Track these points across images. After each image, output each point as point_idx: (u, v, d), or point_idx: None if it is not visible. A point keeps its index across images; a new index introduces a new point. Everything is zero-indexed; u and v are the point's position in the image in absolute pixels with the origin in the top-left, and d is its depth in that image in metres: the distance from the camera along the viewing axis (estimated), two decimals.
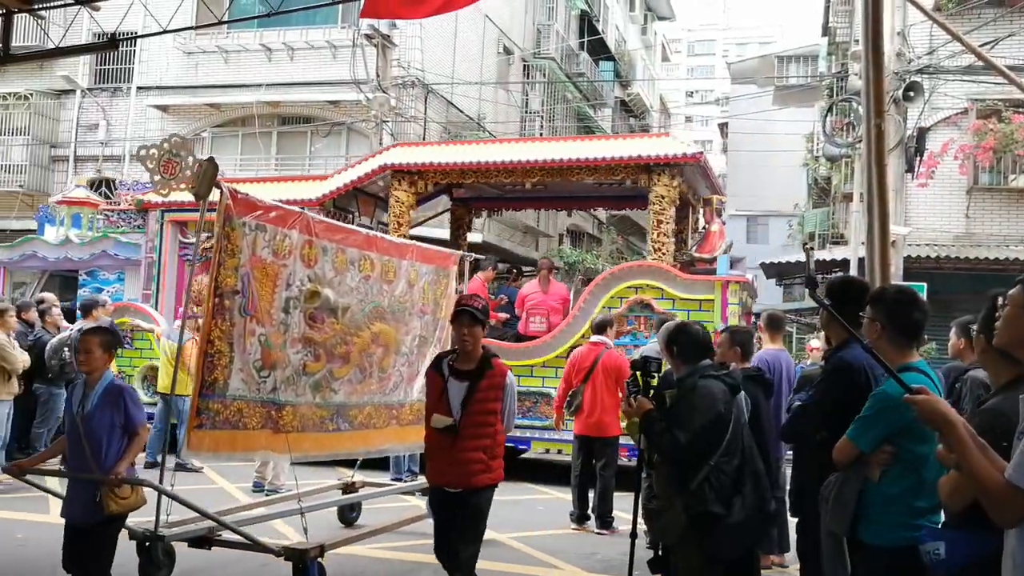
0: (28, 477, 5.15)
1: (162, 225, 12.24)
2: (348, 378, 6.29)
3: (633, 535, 5.02)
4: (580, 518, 7.99)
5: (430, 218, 14.22)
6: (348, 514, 7.36)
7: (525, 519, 8.36)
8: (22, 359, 8.74)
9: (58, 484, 5.34)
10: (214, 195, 5.29)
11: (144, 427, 4.78)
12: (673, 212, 10.61)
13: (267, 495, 8.01)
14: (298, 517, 6.67)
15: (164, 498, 5.18)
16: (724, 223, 11.62)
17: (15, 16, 8.22)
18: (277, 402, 5.53)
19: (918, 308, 3.49)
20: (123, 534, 4.86)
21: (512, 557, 6.91)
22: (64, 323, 10.24)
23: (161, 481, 5.12)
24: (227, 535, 5.38)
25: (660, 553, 4.64)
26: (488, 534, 7.52)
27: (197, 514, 5.37)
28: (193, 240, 11.92)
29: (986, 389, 4.53)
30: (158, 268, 12.13)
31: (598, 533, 7.80)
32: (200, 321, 9.45)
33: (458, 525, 4.80)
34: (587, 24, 29.79)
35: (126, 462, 4.62)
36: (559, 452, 11.29)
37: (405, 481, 8.85)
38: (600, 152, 10.94)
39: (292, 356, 5.71)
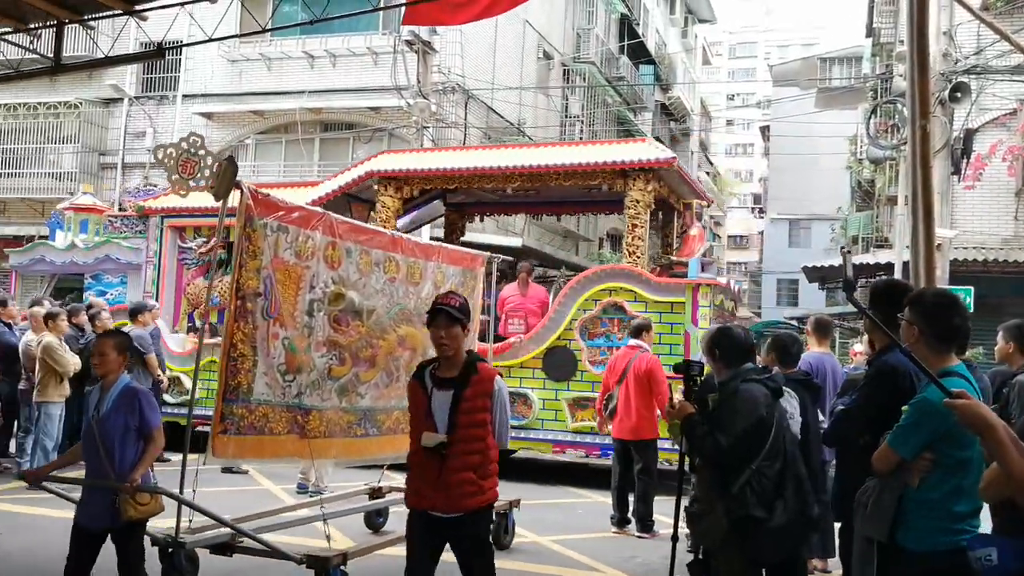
0: (44, 483, 5.06)
1: (161, 230, 12.83)
2: (375, 382, 6.19)
3: (674, 539, 4.99)
4: (620, 522, 7.98)
5: (425, 223, 14.36)
6: (375, 519, 7.31)
7: (565, 522, 8.38)
8: (73, 362, 9.00)
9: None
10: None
11: (159, 430, 4.70)
12: (647, 217, 10.81)
13: (311, 496, 8.10)
14: (342, 520, 6.76)
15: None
16: (704, 227, 11.86)
17: (66, 27, 8.42)
18: (303, 407, 5.44)
19: (958, 313, 3.43)
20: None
21: (552, 560, 6.92)
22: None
23: (182, 486, 4.99)
24: (249, 542, 5.26)
25: (701, 557, 4.61)
26: (528, 537, 7.60)
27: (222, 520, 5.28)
28: (191, 245, 12.68)
29: None
30: (158, 272, 12.69)
31: (638, 537, 7.78)
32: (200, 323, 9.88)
33: (460, 561, 4.24)
34: (627, 28, 29.71)
35: (142, 468, 4.54)
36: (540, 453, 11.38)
37: None
38: (577, 158, 11.21)
39: (317, 360, 5.61)
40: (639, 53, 30.80)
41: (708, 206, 12.82)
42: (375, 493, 7.36)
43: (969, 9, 8.92)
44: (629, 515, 7.97)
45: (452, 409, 4.10)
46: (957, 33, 14.06)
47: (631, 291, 10.21)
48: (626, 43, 29.34)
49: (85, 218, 13.63)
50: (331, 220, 5.72)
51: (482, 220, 15.49)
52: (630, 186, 10.67)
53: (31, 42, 8.92)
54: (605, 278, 10.50)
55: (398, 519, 7.30)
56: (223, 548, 5.22)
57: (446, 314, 4.17)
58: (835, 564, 6.18)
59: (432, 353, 6.83)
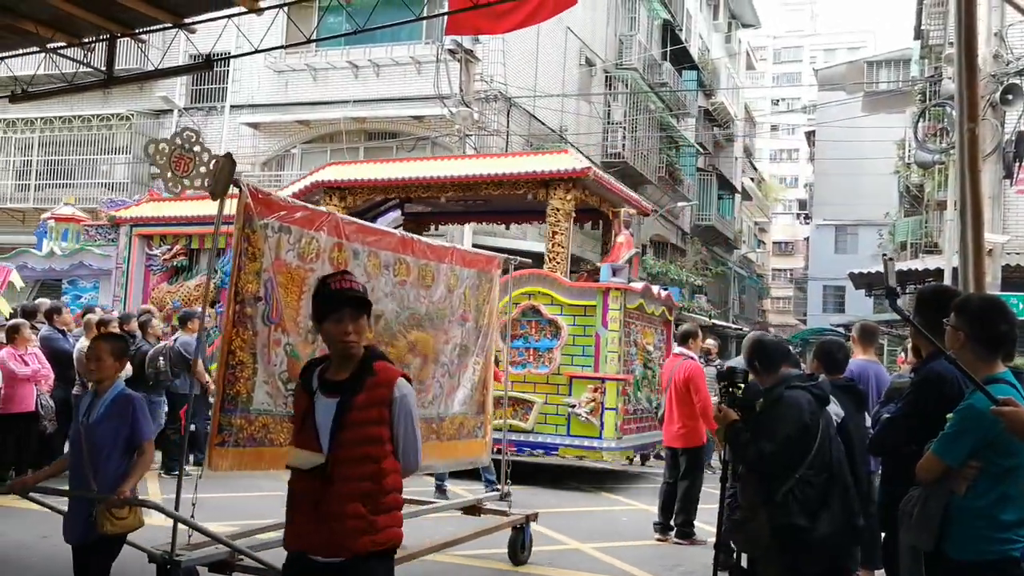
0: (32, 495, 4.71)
1: (130, 239, 13.76)
2: None
3: (716, 546, 5.00)
4: (663, 528, 7.96)
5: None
6: None
7: (608, 530, 8.38)
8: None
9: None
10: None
11: (151, 442, 4.46)
12: (568, 224, 11.41)
13: None
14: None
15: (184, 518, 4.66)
16: (632, 234, 12.36)
17: (118, 41, 8.62)
18: None
19: (1004, 319, 3.38)
20: (142, 557, 4.51)
21: (595, 567, 6.90)
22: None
23: (177, 499, 4.58)
24: (250, 560, 4.83)
25: (745, 566, 4.58)
26: (570, 544, 7.60)
27: (226, 534, 5.01)
28: (156, 252, 13.60)
29: None
30: (126, 277, 13.58)
31: (676, 543, 7.75)
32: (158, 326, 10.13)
33: None
34: (670, 33, 29.60)
35: (132, 481, 4.22)
36: None
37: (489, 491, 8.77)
38: (501, 168, 11.96)
39: None
40: (682, 59, 30.67)
41: (642, 215, 13.49)
42: None
43: (1020, 10, 8.77)
44: (672, 522, 7.93)
45: (336, 420, 3.20)
46: (1008, 34, 13.77)
47: (547, 294, 10.70)
48: (669, 49, 29.22)
49: (66, 227, 14.73)
50: (337, 220, 5.43)
51: (437, 228, 15.84)
52: (551, 195, 11.36)
53: (85, 56, 9.16)
54: (524, 282, 10.76)
55: (410, 531, 7.21)
56: (222, 567, 4.82)
57: (354, 302, 3.27)
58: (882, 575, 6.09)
59: (445, 359, 6.55)
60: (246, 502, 8.08)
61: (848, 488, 4.33)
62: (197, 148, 4.87)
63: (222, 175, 4.62)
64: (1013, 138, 13.63)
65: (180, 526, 4.51)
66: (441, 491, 9.17)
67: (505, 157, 13.82)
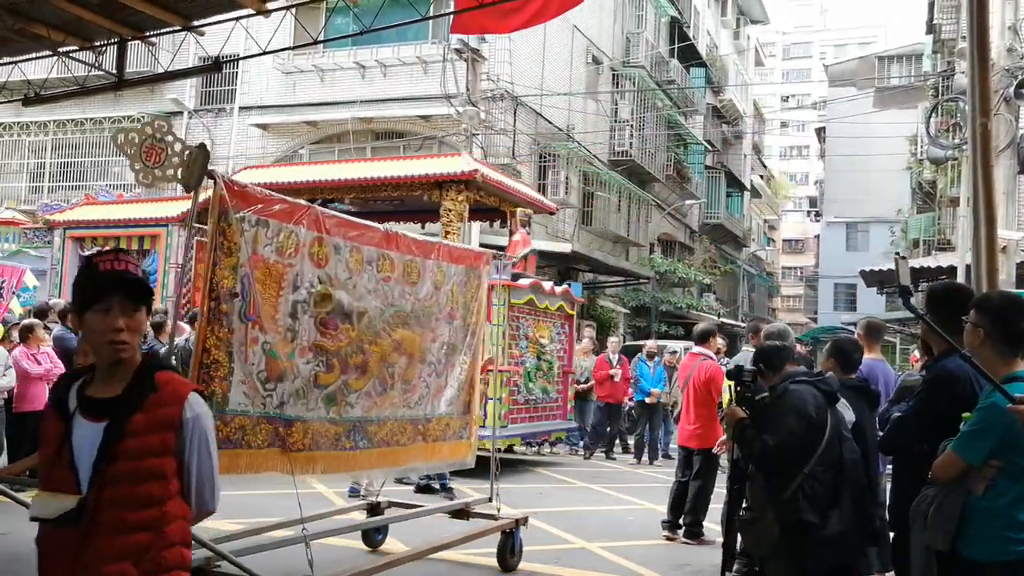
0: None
1: (64, 241, 14.43)
2: (366, 390, 5.65)
3: (724, 546, 5.01)
4: (671, 527, 7.90)
5: None
6: (374, 537, 6.84)
7: (616, 529, 8.33)
8: None
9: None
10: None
11: None
12: (460, 224, 12.04)
13: (362, 499, 8.07)
14: (402, 526, 6.59)
15: None
16: (529, 232, 12.88)
17: (128, 44, 8.72)
18: (286, 418, 4.94)
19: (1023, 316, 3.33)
20: None
21: (603, 567, 6.84)
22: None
23: None
24: (228, 566, 4.70)
25: (755, 567, 4.55)
26: (578, 543, 7.55)
27: (208, 540, 4.83)
28: (88, 254, 13.74)
29: None
30: (60, 278, 14.16)
31: (684, 542, 7.69)
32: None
33: None
34: (677, 31, 29.48)
35: None
36: None
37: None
38: (397, 171, 12.57)
39: (302, 366, 5.09)
40: (690, 56, 30.55)
41: (536, 213, 14.00)
42: (373, 509, 6.93)
43: None
44: (681, 521, 7.86)
45: (103, 450, 2.40)
46: (1022, 28, 13.61)
47: (533, 302, 11.20)
48: (676, 46, 29.12)
49: (8, 230, 15.52)
50: (317, 214, 5.23)
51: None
52: (444, 196, 11.94)
53: (96, 59, 9.22)
54: (524, 292, 11.19)
55: (399, 535, 7.05)
56: (198, 572, 4.56)
57: (127, 288, 2.50)
58: None
59: (432, 358, 6.29)
60: (254, 500, 8.03)
61: (862, 489, 4.35)
62: (169, 138, 4.66)
63: (196, 166, 4.45)
64: None
65: None
66: (447, 491, 9.13)
67: (403, 160, 14.40)
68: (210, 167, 4.52)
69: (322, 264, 5.23)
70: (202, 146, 4.54)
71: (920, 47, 29.71)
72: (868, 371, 6.37)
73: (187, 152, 4.56)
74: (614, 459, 13.98)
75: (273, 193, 5.05)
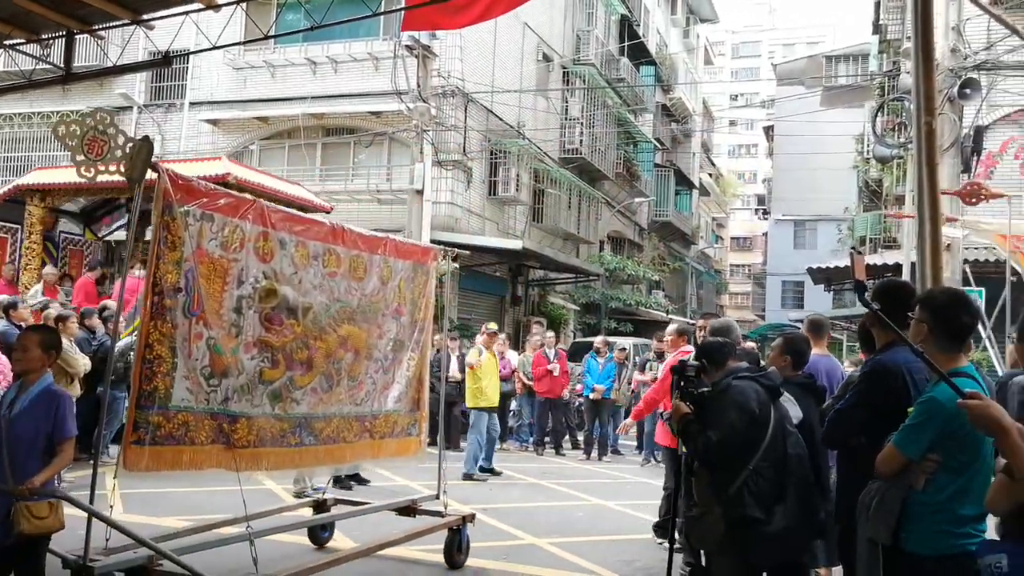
0: None
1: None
2: (312, 387, 5.62)
3: (671, 542, 5.06)
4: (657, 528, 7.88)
5: (116, 230, 15.00)
6: (320, 534, 6.80)
7: (565, 525, 8.33)
8: (83, 363, 9.33)
9: None
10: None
11: (71, 440, 4.30)
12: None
13: (306, 497, 7.95)
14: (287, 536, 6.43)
15: (107, 521, 4.42)
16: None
17: (76, 38, 8.54)
18: (230, 413, 4.93)
19: (967, 311, 3.37)
20: (57, 563, 4.27)
21: (552, 563, 6.83)
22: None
23: (92, 496, 4.29)
24: (171, 565, 4.60)
25: (700, 562, 4.56)
26: (527, 539, 7.55)
27: (176, 530, 4.89)
28: None
29: None
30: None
31: (658, 543, 7.68)
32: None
33: None
34: (627, 29, 29.61)
35: (45, 475, 4.09)
36: None
37: None
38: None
39: (246, 362, 5.07)
40: (640, 54, 30.70)
41: (311, 212, 14.42)
42: (319, 506, 6.87)
43: (978, 4, 8.79)
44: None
45: None
46: (966, 28, 13.86)
47: None
48: (626, 44, 29.24)
49: None
50: (263, 208, 5.21)
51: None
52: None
53: (43, 52, 9.07)
54: None
55: (345, 532, 7.05)
56: (140, 572, 4.57)
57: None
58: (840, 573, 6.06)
59: (379, 355, 6.23)
60: (202, 497, 7.86)
61: (807, 484, 4.36)
62: (112, 130, 4.53)
63: (139, 159, 4.37)
64: (971, 132, 13.74)
65: (101, 530, 4.26)
66: (362, 482, 9.28)
67: (165, 164, 14.86)
68: (155, 159, 4.43)
69: (267, 259, 5.21)
70: (146, 138, 4.46)
71: (867, 47, 30.21)
72: (812, 366, 6.42)
73: (130, 145, 4.45)
74: (564, 455, 14.00)
75: (218, 187, 5.00)
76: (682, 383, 4.57)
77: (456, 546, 6.45)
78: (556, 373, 13.79)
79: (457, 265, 7.34)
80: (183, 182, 4.66)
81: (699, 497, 4.37)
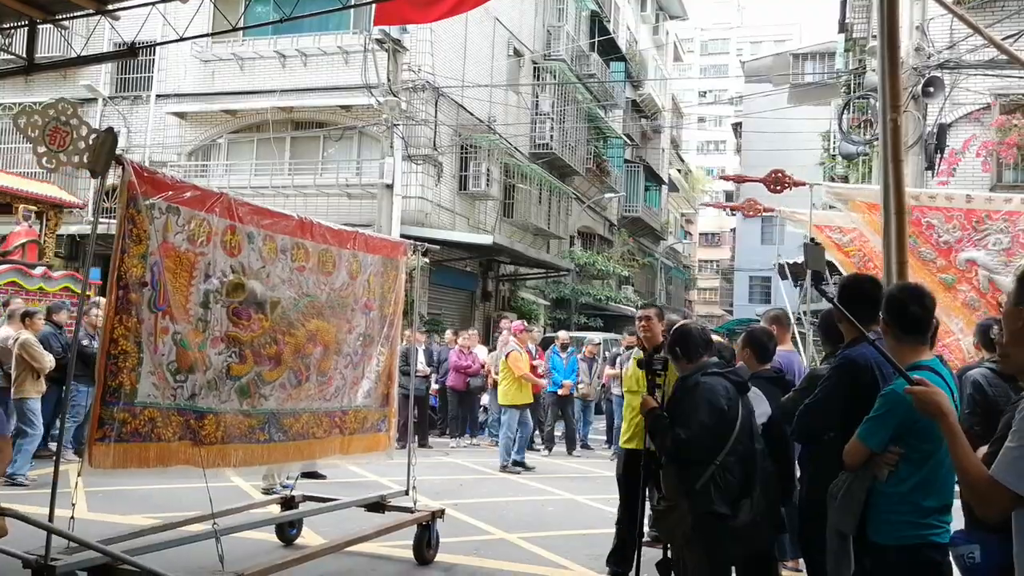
0: None
1: None
2: (280, 382, 5.58)
3: (639, 536, 5.06)
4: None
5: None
6: (287, 531, 6.76)
7: (535, 520, 8.35)
8: (49, 359, 9.27)
9: None
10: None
11: (6, 440, 4.22)
12: None
13: (275, 493, 7.90)
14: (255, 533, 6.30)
15: (75, 523, 4.36)
16: (32, 226, 13.66)
17: (39, 27, 8.39)
18: (197, 409, 4.87)
19: (916, 303, 3.39)
20: (17, 564, 4.17)
21: (521, 557, 6.83)
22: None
23: (52, 498, 4.21)
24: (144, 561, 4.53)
25: (668, 555, 4.58)
26: (498, 534, 7.56)
27: (141, 528, 4.80)
28: None
29: (979, 388, 4.52)
30: None
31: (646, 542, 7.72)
32: None
33: None
34: (598, 25, 29.67)
35: None
36: None
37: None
38: None
39: (214, 357, 5.01)
40: (609, 50, 30.78)
41: (37, 211, 14.32)
42: (287, 503, 6.81)
43: (942, 3, 8.91)
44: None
45: None
46: (930, 27, 14.04)
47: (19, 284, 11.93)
48: (596, 40, 29.31)
49: None
50: (230, 201, 5.14)
51: None
52: None
53: (5, 42, 8.84)
54: (9, 275, 11.96)
55: (313, 528, 7.03)
56: (103, 571, 4.48)
57: None
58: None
59: (348, 350, 6.17)
60: (169, 493, 7.78)
61: (771, 477, 4.41)
62: (74, 121, 4.43)
63: (103, 151, 4.30)
64: (935, 130, 13.94)
65: (65, 527, 4.17)
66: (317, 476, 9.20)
67: None
68: (119, 152, 4.35)
69: (235, 253, 5.15)
70: (109, 130, 4.38)
71: (833, 45, 30.47)
72: (786, 363, 6.48)
73: (94, 136, 4.36)
74: (537, 450, 14.01)
75: (184, 179, 4.94)
76: (649, 376, 4.58)
77: (426, 542, 6.43)
78: (541, 370, 13.76)
79: (427, 260, 7.33)
80: (148, 175, 4.58)
81: (666, 490, 4.39)
